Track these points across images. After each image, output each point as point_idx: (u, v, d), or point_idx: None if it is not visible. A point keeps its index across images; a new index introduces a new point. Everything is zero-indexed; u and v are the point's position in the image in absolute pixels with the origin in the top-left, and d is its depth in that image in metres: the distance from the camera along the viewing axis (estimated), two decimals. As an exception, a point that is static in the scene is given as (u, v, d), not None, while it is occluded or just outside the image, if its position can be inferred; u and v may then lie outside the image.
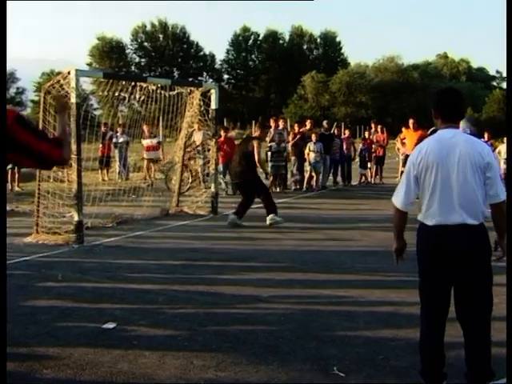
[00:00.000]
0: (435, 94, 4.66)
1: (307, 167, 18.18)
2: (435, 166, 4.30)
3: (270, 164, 16.91)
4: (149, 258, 8.79)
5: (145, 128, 18.66)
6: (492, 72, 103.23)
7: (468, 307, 4.34)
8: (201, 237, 10.49)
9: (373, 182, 20.94)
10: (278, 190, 17.31)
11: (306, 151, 18.04)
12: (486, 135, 18.06)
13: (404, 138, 18.15)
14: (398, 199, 4.57)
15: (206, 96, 13.21)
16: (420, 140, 17.37)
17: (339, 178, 20.05)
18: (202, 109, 13.28)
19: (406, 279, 7.73)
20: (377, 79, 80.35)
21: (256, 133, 12.96)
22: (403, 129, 18.28)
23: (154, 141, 19.16)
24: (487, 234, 4.33)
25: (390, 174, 21.82)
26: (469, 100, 75.79)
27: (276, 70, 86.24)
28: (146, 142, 19.13)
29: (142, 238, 10.46)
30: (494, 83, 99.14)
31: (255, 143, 11.94)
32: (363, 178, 20.85)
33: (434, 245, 4.33)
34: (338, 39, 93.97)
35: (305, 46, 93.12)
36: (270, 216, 11.66)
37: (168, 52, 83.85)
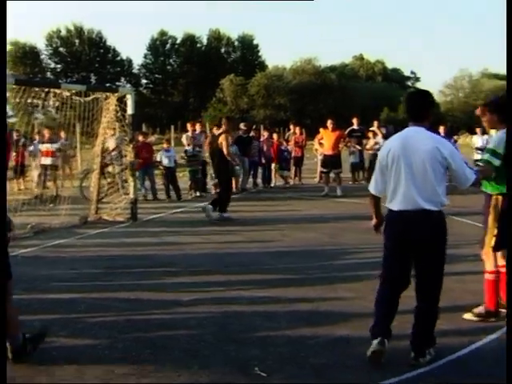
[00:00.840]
0: (406, 96, 5.60)
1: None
2: (400, 159, 4.98)
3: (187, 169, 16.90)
4: (67, 267, 8.62)
5: (45, 132, 17.89)
6: (407, 73, 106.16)
7: (421, 283, 5.06)
8: (121, 243, 10.37)
9: (292, 183, 21.14)
10: (196, 194, 17.24)
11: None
12: (441, 129, 18.72)
13: (322, 139, 18.40)
14: (372, 187, 5.30)
15: (122, 101, 13.06)
16: (338, 140, 17.74)
17: (259, 180, 20.15)
18: (119, 114, 13.12)
19: (324, 276, 7.92)
20: (295, 81, 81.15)
21: (223, 127, 12.95)
22: (321, 129, 18.53)
23: (54, 146, 17.89)
24: (444, 221, 5.03)
25: (309, 175, 22.13)
26: (385, 100, 77.68)
27: (194, 73, 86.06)
28: (45, 147, 17.84)
29: (61, 247, 10.23)
30: (409, 83, 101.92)
31: (222, 138, 12.07)
32: (284, 179, 20.97)
33: (399, 228, 5.02)
34: (255, 42, 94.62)
35: (223, 50, 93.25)
36: (208, 207, 12.31)
37: (84, 57, 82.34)
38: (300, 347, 5.39)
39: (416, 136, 5.03)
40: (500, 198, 5.89)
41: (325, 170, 17.74)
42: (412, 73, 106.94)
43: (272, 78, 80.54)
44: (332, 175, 17.56)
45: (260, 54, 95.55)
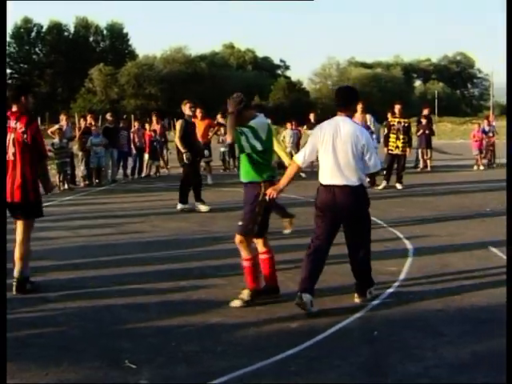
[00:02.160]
0: (336, 89, 6.56)
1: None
2: (329, 141, 5.98)
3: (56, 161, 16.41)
4: None
5: None
6: (276, 61, 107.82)
7: (352, 239, 6.18)
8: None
9: (163, 173, 20.99)
10: (65, 187, 16.75)
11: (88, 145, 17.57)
12: (311, 116, 19.18)
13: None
14: (300, 157, 6.21)
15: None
16: (207, 129, 17.74)
17: (129, 171, 19.85)
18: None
19: (196, 265, 7.94)
20: (165, 70, 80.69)
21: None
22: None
23: None
24: (365, 191, 6.11)
25: (176, 164, 22.04)
26: (255, 88, 78.53)
27: (62, 63, 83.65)
28: None
29: None
30: (279, 72, 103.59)
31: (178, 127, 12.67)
32: (155, 169, 20.79)
33: (327, 198, 5.98)
34: (124, 31, 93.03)
35: (91, 38, 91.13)
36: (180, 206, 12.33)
37: None
38: (172, 337, 5.39)
39: (343, 124, 6.03)
40: (266, 184, 6.20)
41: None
42: (281, 61, 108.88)
43: (143, 68, 79.68)
44: (202, 164, 17.60)
45: (130, 42, 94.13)
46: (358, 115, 15.75)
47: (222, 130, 19.36)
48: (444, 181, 17.40)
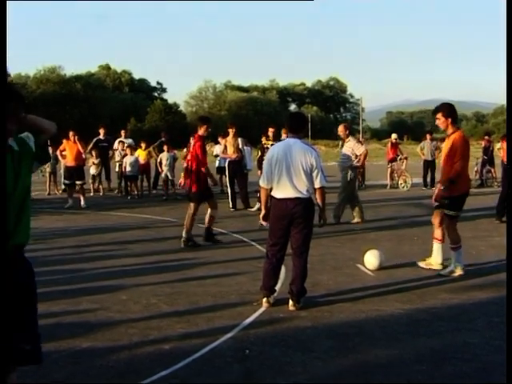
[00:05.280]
0: (287, 115, 7.58)
1: None
2: (282, 160, 6.79)
3: None
4: None
5: None
6: (153, 83, 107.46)
7: (298, 246, 6.86)
8: None
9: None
10: None
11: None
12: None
13: (64, 150, 17.97)
14: (262, 182, 7.03)
15: None
16: (81, 151, 17.43)
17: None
18: None
19: (68, 288, 7.77)
20: (39, 90, 78.46)
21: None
22: (64, 140, 18.10)
23: None
24: (312, 203, 6.85)
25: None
26: (132, 110, 77.89)
27: None
28: None
29: None
30: (156, 94, 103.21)
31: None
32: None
33: (281, 209, 6.79)
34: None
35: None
36: None
37: None
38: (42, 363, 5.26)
39: (294, 145, 6.85)
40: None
41: (68, 182, 17.40)
42: (158, 83, 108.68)
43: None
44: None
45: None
46: (229, 139, 15.99)
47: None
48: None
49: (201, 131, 10.99)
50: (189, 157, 11.03)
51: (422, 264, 8.79)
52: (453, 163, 8.14)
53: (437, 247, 8.72)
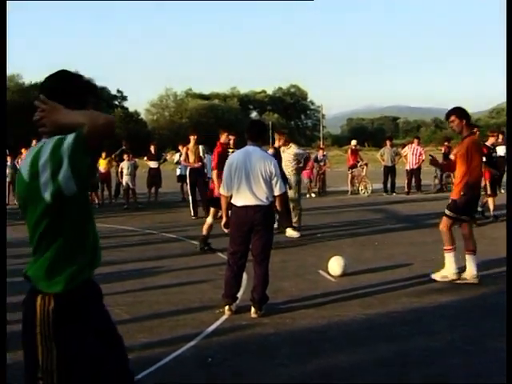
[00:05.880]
0: (248, 123, 7.48)
1: None
2: (241, 168, 6.84)
3: None
4: None
5: None
6: (113, 91, 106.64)
7: (259, 252, 6.87)
8: None
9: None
10: None
11: None
12: (152, 148, 19.27)
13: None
14: (223, 190, 7.06)
15: None
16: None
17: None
18: None
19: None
20: (-4, 99, 77.31)
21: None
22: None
23: None
24: (272, 210, 6.98)
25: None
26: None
27: None
28: None
29: None
30: (116, 102, 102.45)
31: None
32: None
33: (242, 217, 6.81)
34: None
35: None
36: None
37: None
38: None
39: (253, 152, 6.93)
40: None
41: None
42: (119, 91, 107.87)
43: (-30, 96, 75.91)
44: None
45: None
46: (190, 146, 15.96)
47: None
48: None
49: (222, 138, 11.79)
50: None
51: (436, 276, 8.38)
52: (467, 168, 8.07)
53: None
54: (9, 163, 21.42)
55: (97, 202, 19.51)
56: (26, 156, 2.88)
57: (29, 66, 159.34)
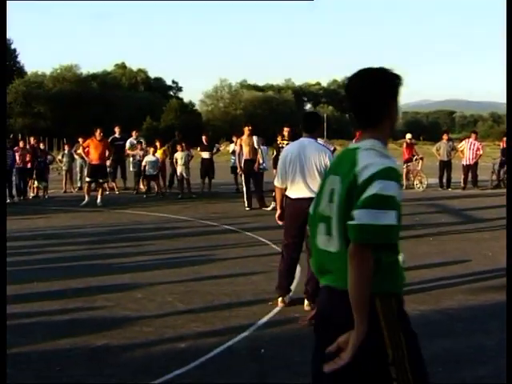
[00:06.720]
0: (303, 115, 7.63)
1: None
2: (295, 160, 6.71)
3: None
4: None
5: None
6: (169, 82, 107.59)
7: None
8: None
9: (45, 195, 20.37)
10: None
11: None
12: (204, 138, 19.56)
13: (87, 147, 17.87)
14: (277, 182, 6.95)
15: None
16: (105, 149, 17.42)
17: (14, 192, 19.08)
18: None
19: (83, 287, 7.78)
20: (55, 89, 78.82)
21: None
22: (82, 140, 18.12)
23: None
24: None
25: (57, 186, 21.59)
26: (147, 109, 78.01)
27: None
28: None
29: None
30: (171, 93, 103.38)
31: None
32: (43, 190, 20.15)
33: (296, 209, 6.66)
34: (12, 47, 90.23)
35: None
36: None
37: None
38: (56, 361, 5.28)
39: (309, 145, 6.79)
40: None
41: (90, 180, 17.30)
42: (174, 82, 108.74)
43: (31, 85, 77.50)
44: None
45: (18, 59, 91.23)
46: (244, 138, 15.99)
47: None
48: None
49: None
50: None
51: None
52: None
53: None
54: (66, 152, 21.81)
55: (157, 191, 19.80)
56: None
57: (87, 57, 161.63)
